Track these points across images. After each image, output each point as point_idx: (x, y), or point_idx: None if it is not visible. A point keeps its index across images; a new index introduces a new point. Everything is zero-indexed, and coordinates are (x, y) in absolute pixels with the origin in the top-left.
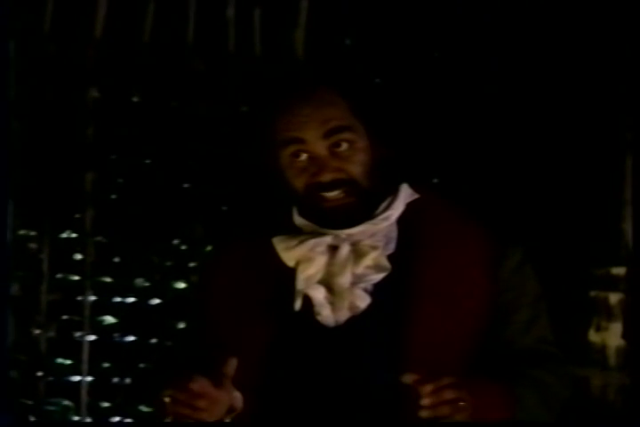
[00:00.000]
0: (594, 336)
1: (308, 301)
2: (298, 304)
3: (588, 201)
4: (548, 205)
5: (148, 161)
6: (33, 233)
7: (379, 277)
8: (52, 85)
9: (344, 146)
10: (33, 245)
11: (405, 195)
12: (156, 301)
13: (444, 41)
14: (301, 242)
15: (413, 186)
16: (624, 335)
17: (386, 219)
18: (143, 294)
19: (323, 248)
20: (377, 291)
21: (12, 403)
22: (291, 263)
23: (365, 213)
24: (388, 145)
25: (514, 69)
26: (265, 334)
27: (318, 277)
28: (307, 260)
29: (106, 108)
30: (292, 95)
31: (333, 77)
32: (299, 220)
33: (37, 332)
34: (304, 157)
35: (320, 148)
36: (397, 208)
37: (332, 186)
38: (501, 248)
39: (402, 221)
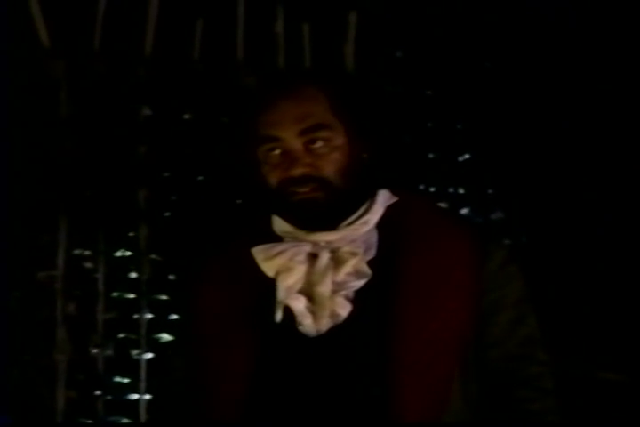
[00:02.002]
0: None
1: (289, 311)
2: (279, 315)
3: None
4: (603, 208)
5: (200, 178)
6: (87, 252)
7: (359, 283)
8: (103, 104)
9: (319, 143)
10: (88, 265)
11: (384, 198)
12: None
13: (495, 51)
14: (281, 252)
15: (392, 189)
16: None
17: (365, 223)
18: None
19: (302, 257)
20: (359, 298)
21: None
22: (271, 273)
23: (337, 212)
24: (368, 148)
25: (566, 81)
26: (249, 346)
27: (298, 286)
28: (286, 270)
29: (158, 125)
30: (275, 92)
31: (317, 75)
32: (278, 227)
33: (94, 351)
34: (278, 151)
35: (295, 144)
36: (376, 212)
37: (301, 181)
38: (485, 248)
39: (382, 225)
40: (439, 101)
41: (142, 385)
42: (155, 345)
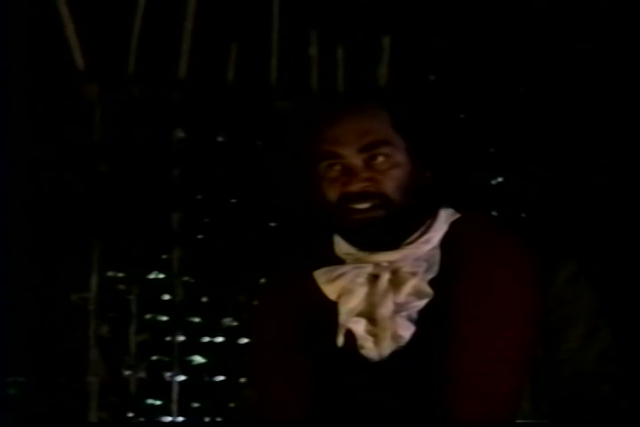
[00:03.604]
0: None
1: (350, 335)
2: (340, 340)
3: None
4: None
5: (233, 200)
6: (121, 275)
7: (421, 303)
8: (137, 127)
9: (380, 159)
10: (121, 287)
11: (446, 215)
12: (245, 340)
13: (529, 75)
14: (342, 274)
15: (455, 207)
16: None
17: (426, 242)
18: (232, 334)
19: (363, 279)
20: (421, 318)
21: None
22: (333, 296)
23: (398, 231)
24: (430, 166)
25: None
26: (309, 371)
27: (359, 309)
28: (347, 292)
29: (191, 148)
30: (337, 108)
31: (379, 92)
32: (340, 249)
33: (127, 373)
34: (338, 167)
35: (355, 160)
36: (438, 230)
37: (360, 197)
38: (550, 263)
39: (445, 243)
40: (472, 125)
41: (175, 407)
42: (187, 367)
